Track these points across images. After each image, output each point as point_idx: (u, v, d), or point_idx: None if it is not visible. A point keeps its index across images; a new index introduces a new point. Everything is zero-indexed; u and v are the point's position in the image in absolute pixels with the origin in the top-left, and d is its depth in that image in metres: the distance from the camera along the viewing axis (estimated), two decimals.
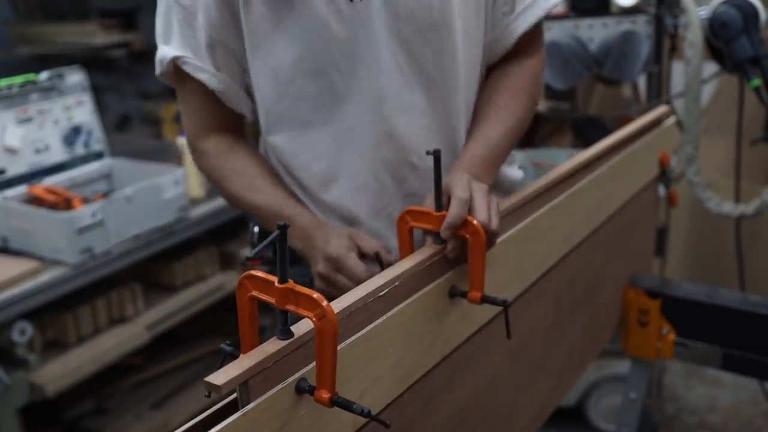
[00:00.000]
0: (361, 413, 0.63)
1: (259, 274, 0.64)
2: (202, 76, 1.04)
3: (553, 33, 1.97)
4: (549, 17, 1.12)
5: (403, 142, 1.01)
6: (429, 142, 1.01)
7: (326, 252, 0.94)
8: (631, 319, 1.49)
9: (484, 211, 0.84)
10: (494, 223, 0.84)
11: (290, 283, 0.62)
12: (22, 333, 1.65)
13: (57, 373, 1.72)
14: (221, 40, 1.03)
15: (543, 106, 2.19)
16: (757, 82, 1.71)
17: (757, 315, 1.37)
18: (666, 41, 2.01)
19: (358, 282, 0.83)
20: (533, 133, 2.26)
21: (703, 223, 2.69)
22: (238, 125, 1.13)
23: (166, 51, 1.05)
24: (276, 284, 0.62)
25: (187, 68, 1.04)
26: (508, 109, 1.06)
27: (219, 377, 0.58)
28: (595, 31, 1.97)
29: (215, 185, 1.12)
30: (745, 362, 1.40)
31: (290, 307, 0.62)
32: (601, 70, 1.95)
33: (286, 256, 0.62)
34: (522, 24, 1.05)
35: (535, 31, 1.08)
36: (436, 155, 0.81)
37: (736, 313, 1.39)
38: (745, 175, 2.03)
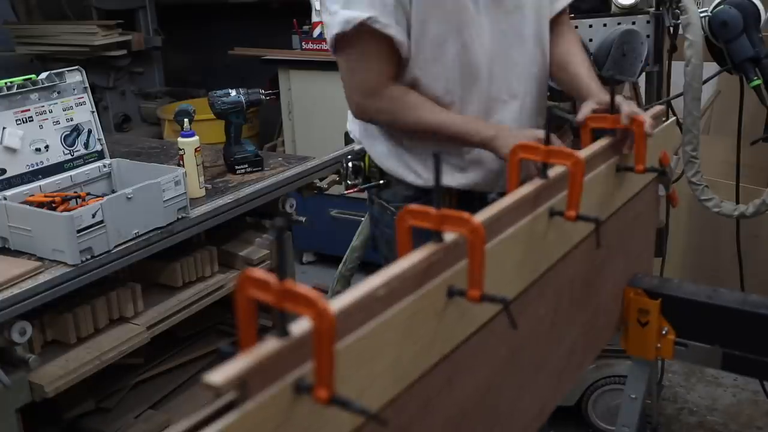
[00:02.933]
0: (359, 412, 0.63)
1: (258, 274, 0.64)
2: (391, 32, 1.37)
3: None
4: None
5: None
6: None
7: (536, 134, 1.36)
8: (631, 319, 1.48)
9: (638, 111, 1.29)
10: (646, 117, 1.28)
11: (288, 283, 0.62)
12: (22, 333, 1.64)
13: (57, 373, 1.72)
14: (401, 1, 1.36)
15: None
16: (757, 82, 1.71)
17: (757, 315, 1.37)
18: (666, 41, 2.01)
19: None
20: None
21: (703, 223, 2.69)
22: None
23: (350, 14, 1.34)
24: (274, 284, 0.62)
25: (377, 26, 1.35)
26: (584, 56, 1.63)
27: (217, 376, 0.58)
28: (595, 31, 1.97)
29: (396, 119, 1.48)
30: (745, 362, 1.40)
31: (288, 306, 0.62)
32: (601, 70, 1.95)
33: (285, 256, 0.62)
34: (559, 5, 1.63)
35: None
36: (437, 156, 0.81)
37: (736, 313, 1.39)
38: (745, 175, 2.03)
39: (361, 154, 1.63)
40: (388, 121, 1.50)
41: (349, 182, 1.66)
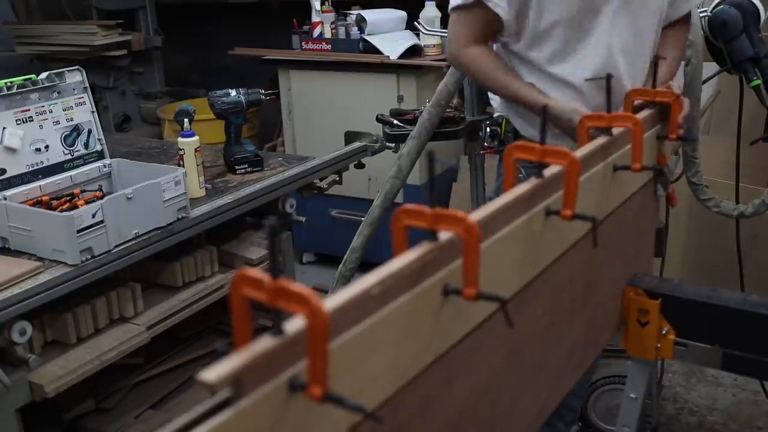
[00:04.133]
0: (354, 409, 0.63)
1: (252, 272, 0.64)
2: (499, 11, 1.64)
3: None
4: None
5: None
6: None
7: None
8: (631, 319, 1.48)
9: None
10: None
11: (281, 281, 0.62)
12: (22, 333, 1.65)
13: (57, 373, 1.72)
14: None
15: None
16: (756, 82, 1.71)
17: (757, 315, 1.37)
18: None
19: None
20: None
21: (703, 223, 2.69)
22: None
23: None
24: (267, 282, 0.62)
25: (489, 4, 1.63)
26: (677, 55, 1.80)
27: (211, 374, 0.58)
28: None
29: (478, 73, 1.77)
30: (745, 362, 1.40)
31: (281, 305, 0.62)
32: None
33: (277, 255, 0.62)
34: (689, 6, 1.76)
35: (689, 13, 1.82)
36: (431, 157, 0.81)
37: (736, 313, 1.39)
38: (744, 175, 2.03)
39: (499, 121, 1.90)
40: (472, 72, 1.79)
41: (486, 144, 1.98)
